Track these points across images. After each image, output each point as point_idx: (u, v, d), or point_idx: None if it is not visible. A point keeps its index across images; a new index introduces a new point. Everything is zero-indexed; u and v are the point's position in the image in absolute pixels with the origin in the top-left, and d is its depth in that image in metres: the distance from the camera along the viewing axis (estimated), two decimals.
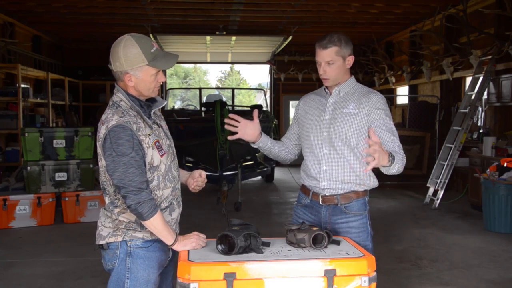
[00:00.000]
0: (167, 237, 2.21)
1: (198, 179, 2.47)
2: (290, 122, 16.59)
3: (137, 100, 2.25)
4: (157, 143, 2.22)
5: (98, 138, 2.20)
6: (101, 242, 2.26)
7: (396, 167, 2.37)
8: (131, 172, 2.12)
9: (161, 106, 2.34)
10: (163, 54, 2.24)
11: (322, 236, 2.24)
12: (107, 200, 2.27)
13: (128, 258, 2.23)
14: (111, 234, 2.24)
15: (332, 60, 2.54)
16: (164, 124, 2.41)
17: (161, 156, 2.24)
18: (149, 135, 2.20)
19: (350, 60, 2.59)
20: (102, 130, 2.17)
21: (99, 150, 2.21)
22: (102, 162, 2.22)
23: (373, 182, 2.64)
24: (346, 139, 2.55)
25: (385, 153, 2.26)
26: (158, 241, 2.26)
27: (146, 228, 2.23)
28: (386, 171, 2.40)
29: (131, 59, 2.16)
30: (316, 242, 2.24)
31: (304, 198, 2.73)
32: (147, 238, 2.25)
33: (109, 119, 2.16)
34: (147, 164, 2.19)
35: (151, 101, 2.34)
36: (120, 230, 2.23)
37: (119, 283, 2.24)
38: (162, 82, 2.31)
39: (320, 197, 2.63)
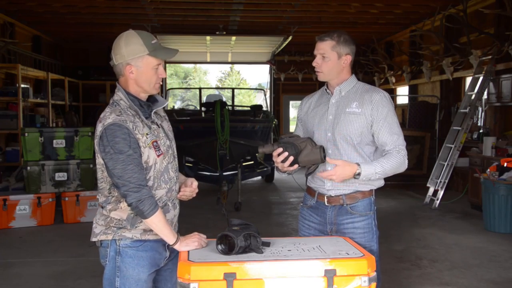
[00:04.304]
0: (169, 236, 2.21)
1: (185, 188, 2.42)
2: (290, 122, 16.64)
3: (137, 99, 2.25)
4: (154, 143, 2.22)
5: (95, 136, 2.22)
6: (93, 239, 2.30)
7: (374, 176, 2.45)
8: (129, 169, 2.13)
9: (162, 106, 2.34)
10: (163, 47, 2.27)
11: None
12: (101, 197, 2.28)
13: (117, 256, 2.25)
14: (102, 232, 2.26)
15: (326, 53, 2.52)
16: (166, 125, 2.40)
17: (158, 156, 2.23)
18: (147, 134, 2.20)
19: (346, 59, 2.55)
20: (99, 128, 2.19)
21: (96, 148, 2.22)
22: (99, 160, 2.24)
23: (379, 181, 2.61)
24: (350, 138, 2.53)
25: (349, 169, 2.39)
26: (150, 240, 2.27)
27: (136, 227, 2.24)
28: (363, 180, 2.48)
29: (132, 49, 2.18)
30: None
31: (310, 200, 2.71)
32: (136, 238, 2.25)
33: (106, 117, 2.18)
34: (143, 163, 2.20)
35: (151, 101, 2.33)
36: (110, 229, 2.25)
37: (111, 281, 2.27)
38: (163, 79, 2.30)
39: (325, 198, 2.62)
